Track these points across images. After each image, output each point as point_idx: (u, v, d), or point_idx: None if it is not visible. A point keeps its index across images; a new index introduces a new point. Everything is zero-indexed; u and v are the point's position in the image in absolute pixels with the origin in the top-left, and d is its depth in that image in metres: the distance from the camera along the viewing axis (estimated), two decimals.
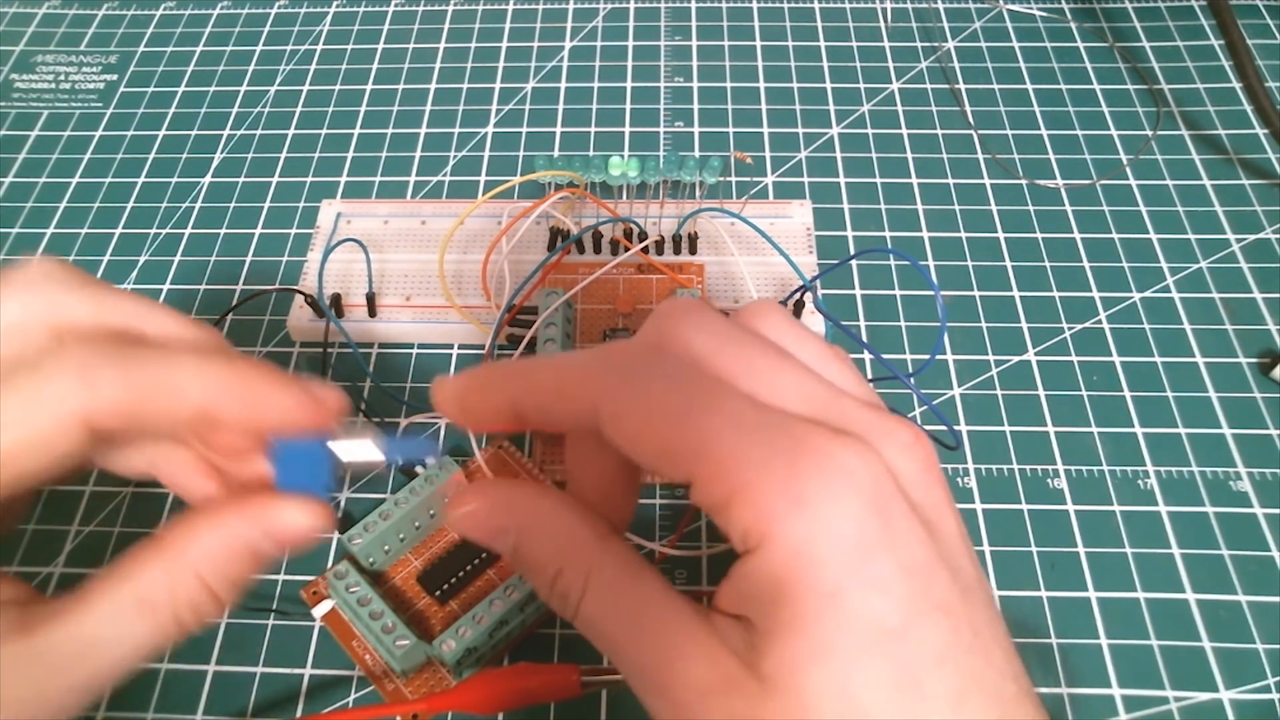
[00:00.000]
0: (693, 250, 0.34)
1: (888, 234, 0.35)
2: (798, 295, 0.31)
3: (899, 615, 0.18)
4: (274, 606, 0.27)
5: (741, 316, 0.22)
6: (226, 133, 0.40)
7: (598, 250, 0.34)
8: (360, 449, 0.20)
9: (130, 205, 0.37)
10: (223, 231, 0.36)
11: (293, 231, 0.36)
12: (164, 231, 0.37)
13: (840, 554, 0.18)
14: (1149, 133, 0.38)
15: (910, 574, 0.18)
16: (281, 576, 0.28)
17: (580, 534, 0.21)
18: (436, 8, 0.45)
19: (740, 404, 0.19)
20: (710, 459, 0.19)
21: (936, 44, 0.42)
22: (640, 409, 0.19)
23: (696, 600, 0.20)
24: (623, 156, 0.33)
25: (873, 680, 0.18)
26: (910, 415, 0.30)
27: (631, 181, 0.33)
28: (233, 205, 0.37)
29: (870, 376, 0.32)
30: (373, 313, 0.32)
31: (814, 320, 0.31)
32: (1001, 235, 0.35)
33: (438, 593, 0.26)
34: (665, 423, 0.19)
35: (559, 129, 0.39)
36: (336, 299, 0.32)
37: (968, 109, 0.39)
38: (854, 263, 0.34)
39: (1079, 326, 0.32)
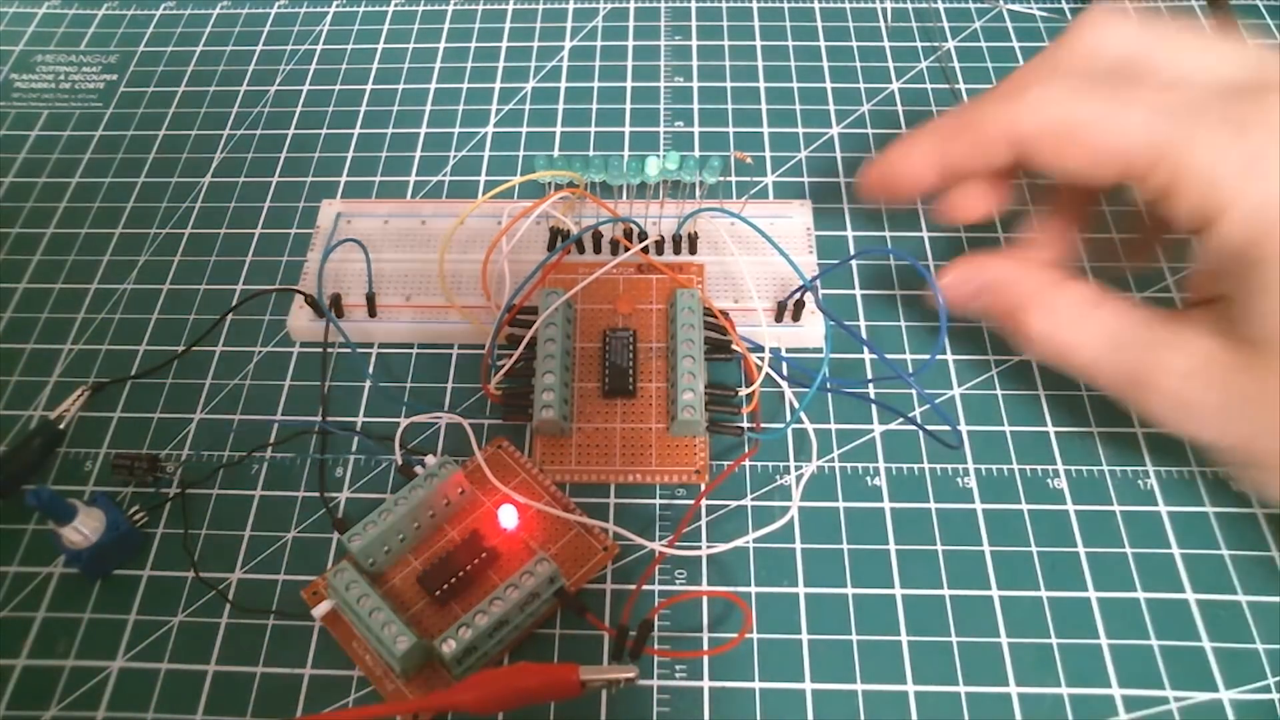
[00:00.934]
0: (693, 250, 0.34)
1: (888, 234, 0.35)
2: (798, 295, 0.31)
3: None
4: (274, 607, 0.27)
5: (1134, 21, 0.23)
6: (226, 133, 0.40)
7: (598, 250, 0.34)
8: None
9: (130, 205, 0.37)
10: (223, 231, 0.36)
11: (293, 231, 0.36)
12: (164, 231, 0.37)
13: None
14: None
15: None
16: (281, 577, 0.28)
17: (1035, 281, 0.24)
18: (436, 8, 0.45)
19: (1155, 92, 0.20)
20: (1143, 150, 0.20)
21: (936, 44, 0.42)
22: (1063, 130, 0.21)
23: None
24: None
25: None
26: (911, 414, 0.30)
27: (631, 182, 0.33)
28: (233, 205, 0.37)
29: (870, 376, 0.32)
30: (373, 313, 0.32)
31: (814, 320, 0.31)
32: (1001, 235, 0.35)
33: (437, 593, 0.26)
34: (1092, 130, 0.20)
35: (559, 129, 0.39)
36: (336, 299, 0.32)
37: None
38: (854, 262, 0.34)
39: None
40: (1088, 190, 0.24)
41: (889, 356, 0.31)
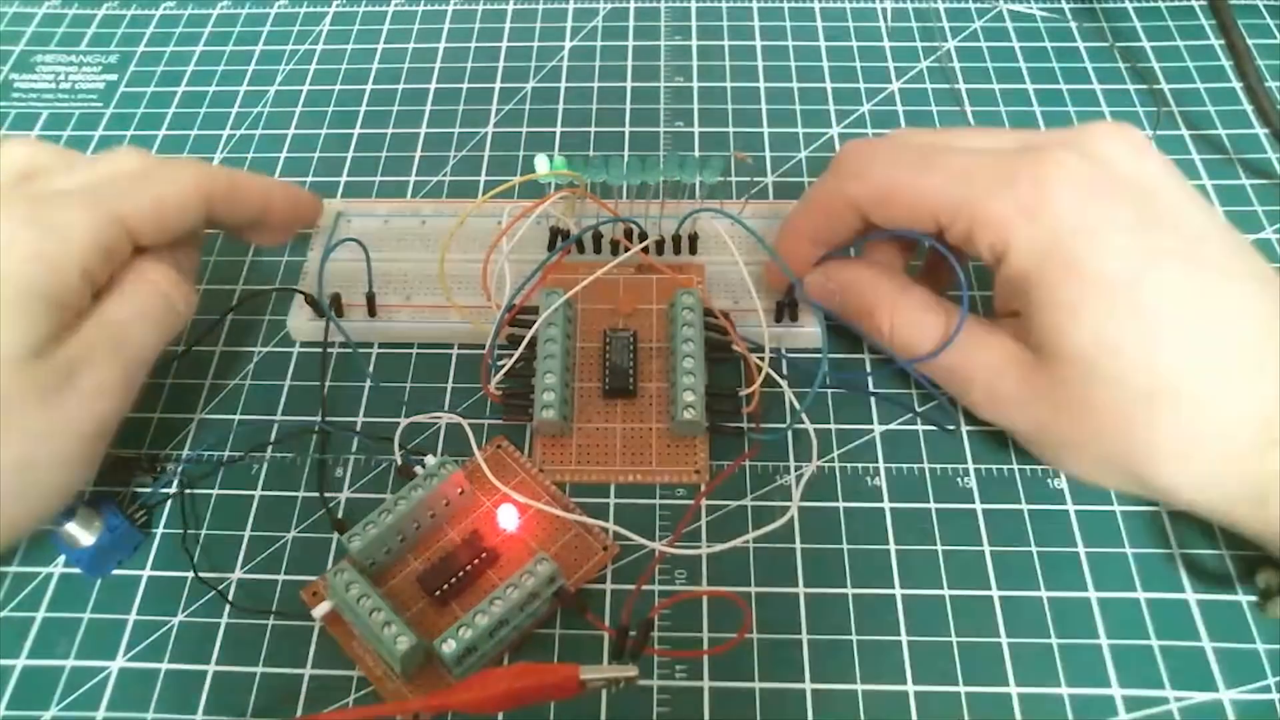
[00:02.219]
0: (693, 250, 0.34)
1: None
2: (789, 295, 0.31)
3: (1128, 268, 0.23)
4: (274, 607, 0.27)
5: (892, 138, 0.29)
6: (226, 133, 0.40)
7: (598, 250, 0.34)
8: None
9: None
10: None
11: None
12: None
13: (1067, 237, 0.23)
14: (1149, 132, 0.38)
15: (1130, 234, 0.23)
16: (281, 577, 0.28)
17: (882, 285, 0.28)
18: (436, 8, 0.45)
19: (953, 157, 0.25)
20: (945, 205, 0.25)
21: (936, 44, 0.42)
22: (883, 193, 0.26)
23: None
24: (623, 156, 0.33)
25: (1119, 323, 0.23)
26: (911, 412, 0.30)
27: (631, 182, 0.33)
28: None
29: (869, 370, 0.32)
30: (373, 312, 0.32)
31: (813, 320, 0.31)
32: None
33: (437, 593, 0.26)
34: (905, 191, 0.25)
35: (559, 129, 0.39)
36: (336, 299, 0.32)
37: (968, 109, 0.39)
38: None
39: None
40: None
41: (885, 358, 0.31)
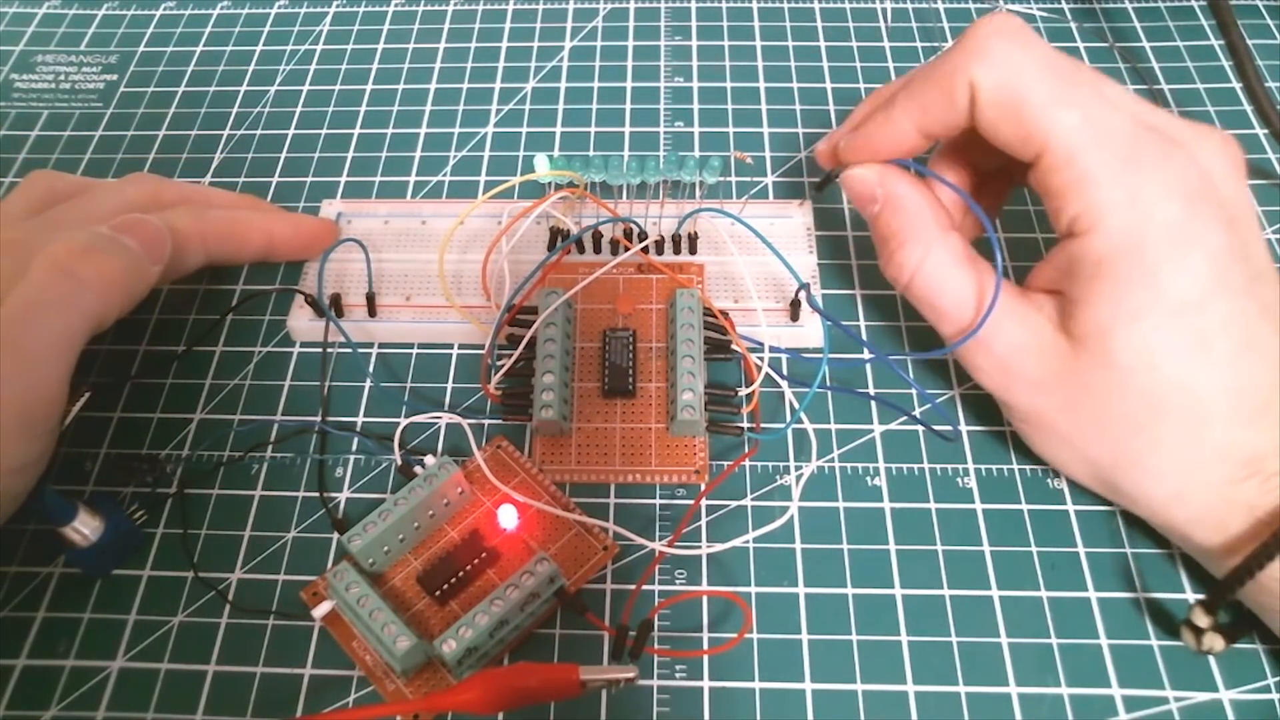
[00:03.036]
0: (693, 250, 0.34)
1: None
2: (795, 295, 0.31)
3: (1199, 292, 0.23)
4: (274, 607, 0.27)
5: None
6: (226, 133, 0.40)
7: (598, 250, 0.34)
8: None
9: None
10: None
11: None
12: None
13: (1158, 243, 0.23)
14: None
15: (1212, 260, 0.23)
16: (281, 577, 0.28)
17: (926, 218, 0.27)
18: (436, 8, 0.45)
19: (1097, 101, 0.23)
20: (1062, 149, 0.23)
21: (936, 44, 0.42)
22: (1014, 99, 0.23)
23: None
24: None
25: (1170, 340, 0.23)
26: (912, 412, 0.30)
27: (631, 182, 0.33)
28: None
29: (870, 376, 0.32)
30: (373, 313, 0.32)
31: (814, 320, 0.31)
32: (1002, 235, 0.35)
33: (437, 593, 0.26)
34: (1030, 109, 0.23)
35: (559, 129, 0.39)
36: (336, 299, 0.32)
37: None
38: (854, 262, 0.34)
39: None
40: (1006, 165, 0.27)
41: (890, 357, 0.31)
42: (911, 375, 0.31)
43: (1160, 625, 0.26)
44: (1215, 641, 0.24)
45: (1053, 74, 0.24)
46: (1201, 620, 0.24)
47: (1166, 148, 0.23)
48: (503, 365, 0.30)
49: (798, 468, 0.30)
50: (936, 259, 0.26)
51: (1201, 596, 0.25)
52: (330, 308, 0.32)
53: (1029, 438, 0.27)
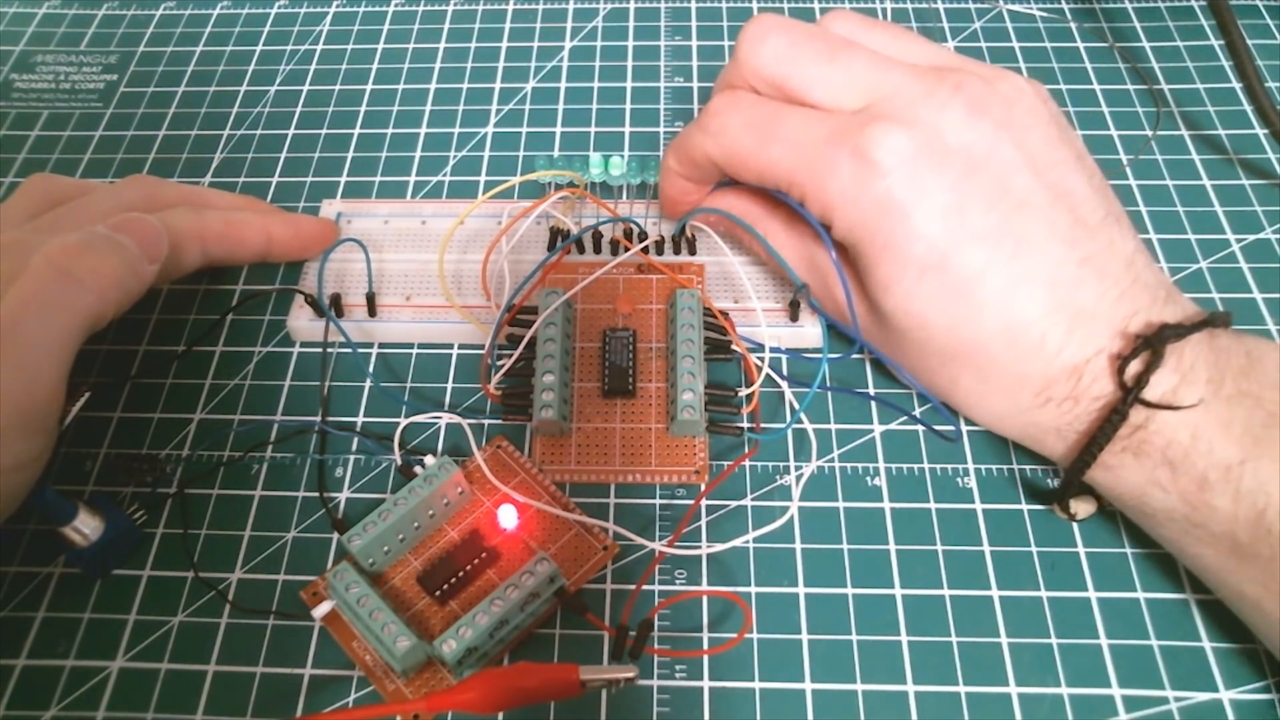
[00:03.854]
0: (692, 250, 0.34)
1: None
2: (793, 296, 0.31)
3: (935, 252, 0.25)
4: (274, 607, 0.27)
5: (821, 21, 0.29)
6: (226, 133, 0.40)
7: (598, 250, 0.34)
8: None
9: None
10: None
11: None
12: None
13: (879, 222, 0.25)
14: (1149, 133, 0.38)
15: (939, 218, 0.25)
16: (281, 577, 0.28)
17: (753, 211, 0.31)
18: (436, 8, 0.45)
19: (796, 125, 0.26)
20: (782, 180, 0.27)
21: (936, 44, 0.42)
22: (733, 157, 0.28)
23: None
24: (622, 156, 0.33)
25: (927, 299, 0.25)
26: (912, 412, 0.30)
27: (631, 182, 0.33)
28: None
29: (870, 376, 0.32)
30: (373, 313, 0.32)
31: (814, 320, 0.31)
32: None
33: (437, 593, 0.26)
34: (750, 160, 0.27)
35: (559, 129, 0.39)
36: (336, 299, 0.32)
37: None
38: None
39: None
40: None
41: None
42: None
43: (1160, 625, 0.26)
44: (1080, 507, 0.27)
45: (756, 123, 0.27)
46: (1062, 512, 0.28)
47: (862, 132, 0.25)
48: (503, 365, 0.30)
49: (798, 468, 0.30)
50: (775, 237, 0.30)
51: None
52: (330, 308, 0.32)
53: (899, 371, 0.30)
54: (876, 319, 0.28)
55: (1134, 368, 0.24)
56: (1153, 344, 0.23)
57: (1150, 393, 0.23)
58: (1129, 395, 0.23)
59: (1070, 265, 0.25)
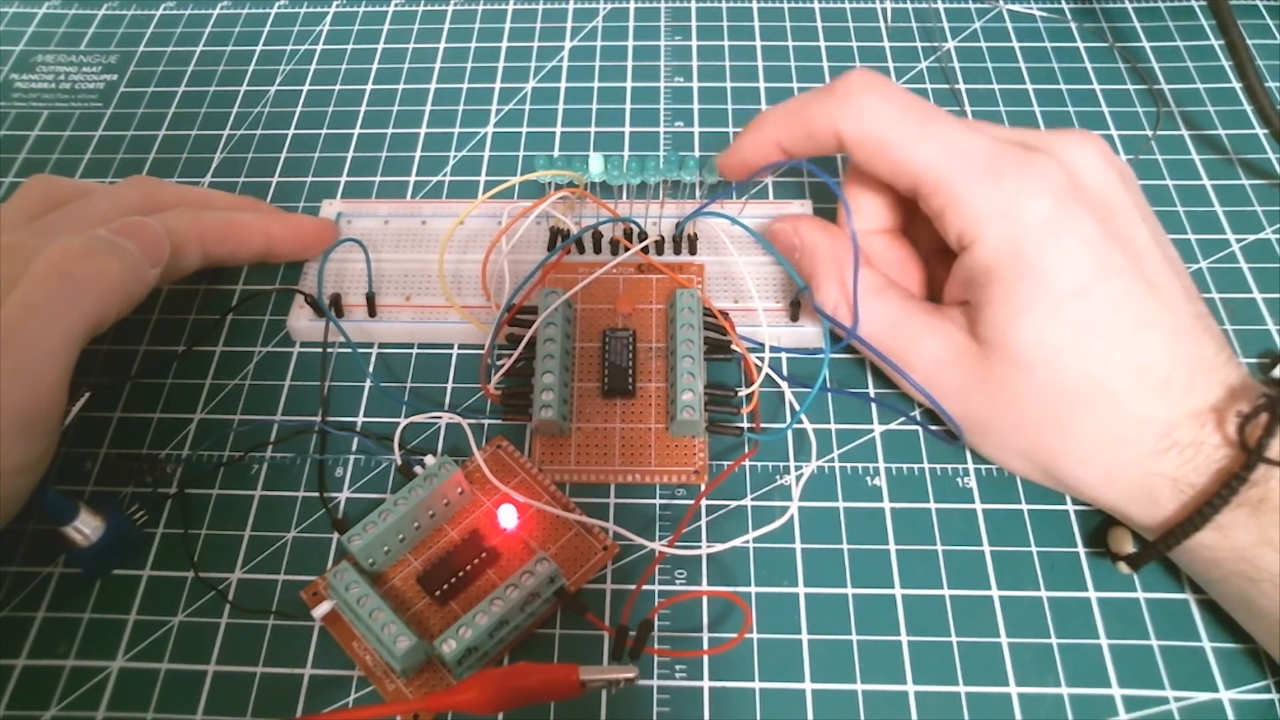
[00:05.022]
0: (692, 250, 0.34)
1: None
2: (794, 296, 0.31)
3: (1080, 280, 0.24)
4: (274, 607, 0.27)
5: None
6: (226, 133, 0.40)
7: (598, 250, 0.34)
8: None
9: None
10: None
11: None
12: None
13: (1034, 241, 0.25)
14: (1149, 133, 0.38)
15: (1089, 247, 0.25)
16: (281, 577, 0.28)
17: (838, 260, 0.29)
18: (436, 8, 0.45)
19: (954, 134, 0.26)
20: (929, 178, 0.26)
21: (936, 44, 0.42)
22: (875, 141, 0.27)
23: None
24: (622, 157, 0.33)
25: (1063, 329, 0.24)
26: (912, 413, 0.30)
27: (631, 182, 0.33)
28: None
29: (870, 377, 0.32)
30: (372, 313, 0.32)
31: (808, 320, 0.31)
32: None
33: (437, 593, 0.26)
34: (896, 150, 0.26)
35: (559, 129, 0.39)
36: (336, 299, 0.32)
37: (968, 109, 0.39)
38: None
39: None
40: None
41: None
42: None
43: (1160, 625, 0.26)
44: (1124, 567, 0.27)
45: (910, 116, 0.26)
46: (1124, 568, 0.27)
47: (1025, 155, 0.25)
48: (502, 365, 0.30)
49: (798, 468, 0.30)
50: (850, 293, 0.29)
51: (1129, 551, 0.27)
52: (330, 308, 0.32)
53: (970, 443, 0.28)
54: (984, 364, 0.26)
55: (1257, 424, 0.23)
56: (1276, 405, 0.23)
57: (1272, 451, 0.23)
58: (1259, 447, 0.23)
59: (1189, 318, 0.25)
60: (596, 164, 0.33)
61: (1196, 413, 0.24)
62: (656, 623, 0.27)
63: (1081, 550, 0.28)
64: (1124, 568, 0.27)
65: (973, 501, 0.29)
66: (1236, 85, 0.39)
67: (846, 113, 0.27)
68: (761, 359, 0.30)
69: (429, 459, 0.28)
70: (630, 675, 0.23)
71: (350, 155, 0.39)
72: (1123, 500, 0.26)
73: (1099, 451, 0.25)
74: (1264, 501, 0.23)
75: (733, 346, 0.31)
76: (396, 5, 0.45)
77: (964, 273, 0.26)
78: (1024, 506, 0.29)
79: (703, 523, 0.29)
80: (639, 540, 0.27)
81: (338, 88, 0.41)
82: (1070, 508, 0.29)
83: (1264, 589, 0.24)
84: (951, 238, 0.26)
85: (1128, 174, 0.27)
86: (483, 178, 0.38)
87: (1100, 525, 0.28)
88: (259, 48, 0.43)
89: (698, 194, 0.34)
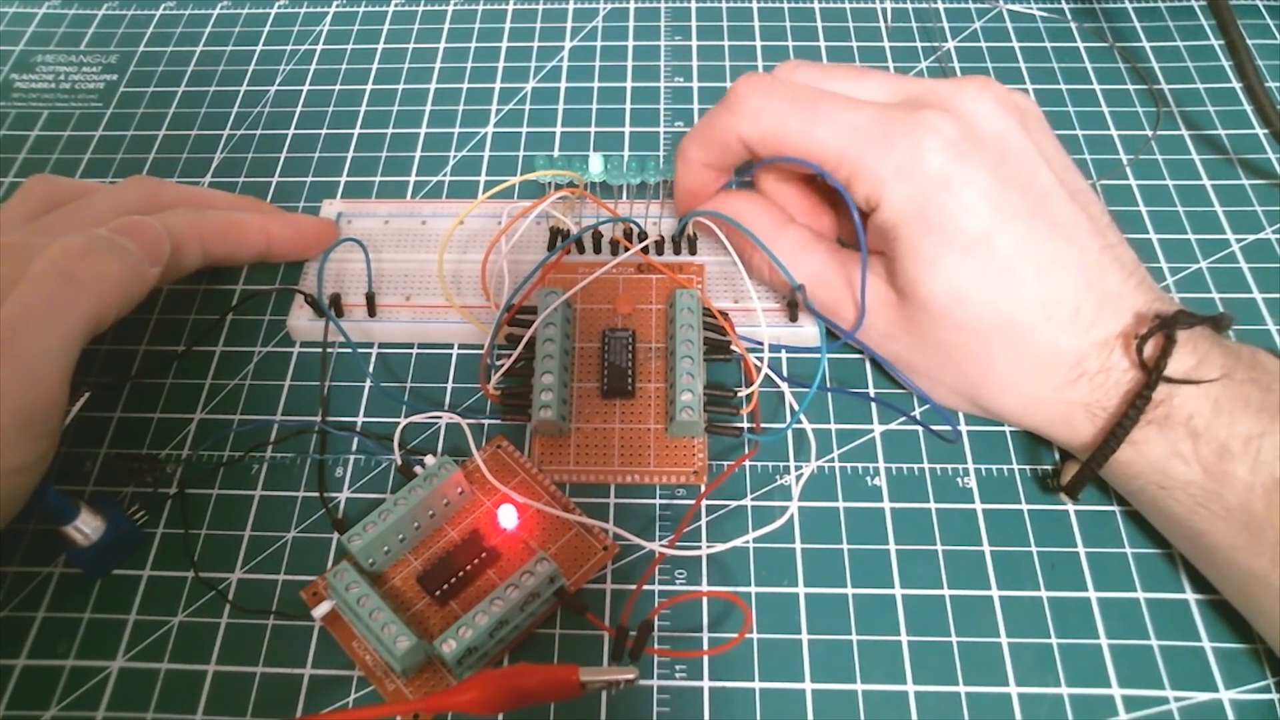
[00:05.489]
0: (692, 250, 0.34)
1: None
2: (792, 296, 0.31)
3: (981, 227, 0.26)
4: (274, 607, 0.27)
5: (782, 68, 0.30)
6: (226, 133, 0.40)
7: (597, 250, 0.34)
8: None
9: None
10: None
11: None
12: None
13: (932, 195, 0.26)
14: (1149, 133, 0.38)
15: (986, 194, 0.26)
16: (281, 577, 0.28)
17: (761, 222, 0.31)
18: (436, 8, 0.45)
19: (841, 111, 0.27)
20: (830, 157, 0.27)
21: (936, 44, 0.42)
22: (773, 137, 0.28)
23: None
24: (622, 157, 0.33)
25: (970, 275, 0.26)
26: (911, 413, 0.30)
27: (630, 182, 0.33)
28: None
29: (870, 376, 0.32)
30: (372, 312, 0.32)
31: (810, 320, 0.31)
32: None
33: (437, 593, 0.26)
34: (794, 140, 0.28)
35: (559, 129, 0.39)
36: (336, 299, 0.32)
37: None
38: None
39: None
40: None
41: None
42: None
43: (1160, 625, 0.26)
44: (1064, 497, 0.28)
45: (799, 107, 0.28)
46: (1068, 497, 0.28)
47: (912, 116, 0.26)
48: (502, 365, 0.30)
49: (798, 468, 0.30)
50: (784, 251, 0.30)
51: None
52: (330, 308, 0.32)
53: (910, 381, 0.30)
54: (904, 310, 0.28)
55: (1152, 346, 0.25)
56: (1169, 325, 0.25)
57: (1171, 370, 0.25)
58: (1157, 367, 0.25)
59: (1094, 251, 0.26)
60: (596, 164, 0.33)
61: (1104, 341, 0.26)
62: (657, 623, 0.27)
63: (1081, 550, 0.28)
64: (1064, 498, 0.28)
65: (973, 501, 0.29)
66: (1236, 85, 0.39)
67: (741, 118, 0.28)
68: (760, 359, 0.30)
69: (429, 459, 0.28)
70: (630, 676, 0.23)
71: (350, 155, 0.39)
72: (1044, 425, 0.28)
73: (1017, 383, 0.27)
74: (1169, 418, 0.25)
75: (732, 347, 0.31)
76: (396, 5, 0.45)
77: (875, 230, 0.28)
78: (1024, 506, 0.29)
79: (703, 523, 0.29)
80: (639, 541, 0.27)
81: (338, 88, 0.41)
82: (1070, 508, 0.29)
83: (1176, 495, 0.25)
84: (861, 202, 0.27)
85: (1031, 115, 0.28)
86: (483, 178, 0.38)
87: (1098, 519, 0.28)
88: (259, 48, 0.43)
89: None
